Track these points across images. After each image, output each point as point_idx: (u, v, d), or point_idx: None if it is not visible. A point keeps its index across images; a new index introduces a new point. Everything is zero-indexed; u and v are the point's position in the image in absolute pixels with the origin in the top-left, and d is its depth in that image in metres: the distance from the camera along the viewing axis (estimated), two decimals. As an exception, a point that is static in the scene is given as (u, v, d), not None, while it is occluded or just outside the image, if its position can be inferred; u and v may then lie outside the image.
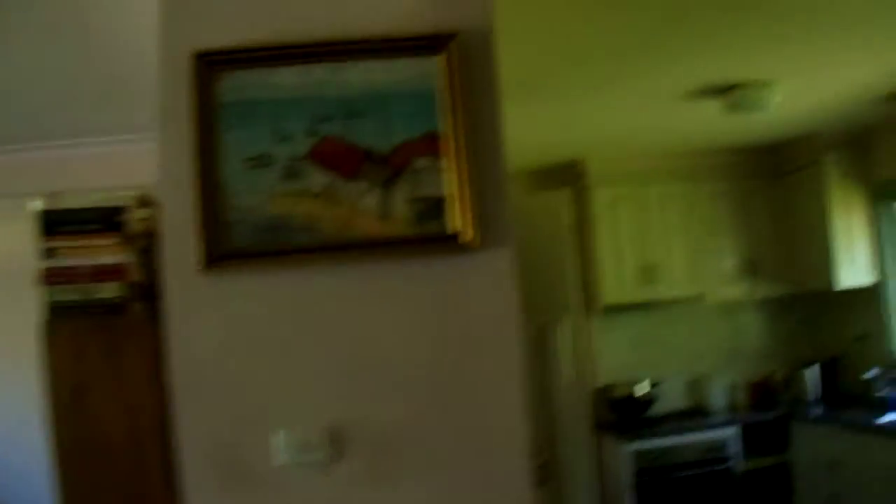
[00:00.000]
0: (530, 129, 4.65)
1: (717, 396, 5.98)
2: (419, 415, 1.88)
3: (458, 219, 1.84)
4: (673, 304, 5.94)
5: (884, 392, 5.21)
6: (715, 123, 4.98)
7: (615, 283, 5.69)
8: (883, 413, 4.91)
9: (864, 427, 4.84)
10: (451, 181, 1.85)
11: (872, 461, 4.68)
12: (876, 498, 4.66)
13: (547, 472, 4.95)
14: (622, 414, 5.81)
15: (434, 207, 1.84)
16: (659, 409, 5.89)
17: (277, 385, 1.86)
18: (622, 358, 6.02)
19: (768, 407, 5.85)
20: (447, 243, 1.84)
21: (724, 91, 4.28)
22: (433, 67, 1.87)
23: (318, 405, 1.86)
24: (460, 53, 1.88)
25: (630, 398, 5.80)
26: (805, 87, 4.38)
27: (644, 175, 5.78)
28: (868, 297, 5.66)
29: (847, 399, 5.70)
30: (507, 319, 1.90)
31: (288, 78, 1.86)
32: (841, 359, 5.98)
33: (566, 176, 5.88)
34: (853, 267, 5.53)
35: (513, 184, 1.98)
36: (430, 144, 1.86)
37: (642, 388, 5.81)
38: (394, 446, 1.87)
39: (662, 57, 3.76)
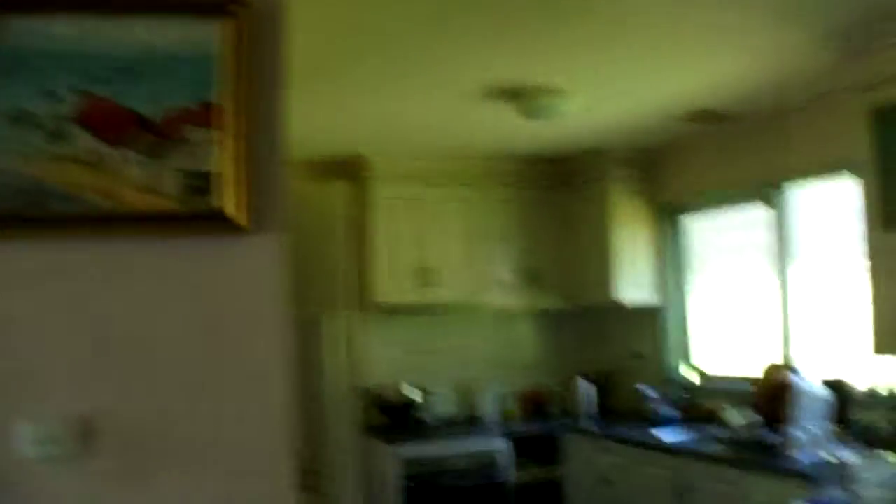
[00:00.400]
0: (313, 117, 4.50)
1: (489, 406, 6.08)
2: (175, 406, 1.74)
3: (229, 198, 1.71)
4: (449, 309, 6.00)
5: (656, 410, 5.45)
6: (505, 128, 5.05)
7: (390, 283, 5.67)
8: (655, 430, 5.09)
9: (635, 442, 5.03)
10: (224, 157, 1.71)
11: (643, 476, 4.87)
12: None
13: (315, 479, 4.86)
14: (393, 419, 5.81)
15: (204, 183, 1.71)
16: (430, 416, 5.92)
17: (21, 369, 1.67)
18: (395, 361, 6.00)
19: (540, 419, 6.03)
20: (216, 223, 1.71)
21: (516, 95, 4.32)
22: (216, 33, 1.73)
23: (67, 393, 1.69)
24: (248, 23, 1.75)
25: (401, 403, 5.81)
26: (600, 100, 4.52)
27: (428, 175, 5.80)
28: (648, 316, 5.93)
29: (620, 415, 5.91)
30: (274, 309, 1.80)
31: (60, 29, 1.67)
32: (616, 375, 6.23)
33: (348, 169, 5.82)
34: (635, 285, 5.76)
35: (292, 170, 1.89)
36: (204, 114, 1.72)
37: (414, 394, 5.84)
38: (148, 440, 1.73)
39: (452, 50, 3.72)
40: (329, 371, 5.13)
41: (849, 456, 3.38)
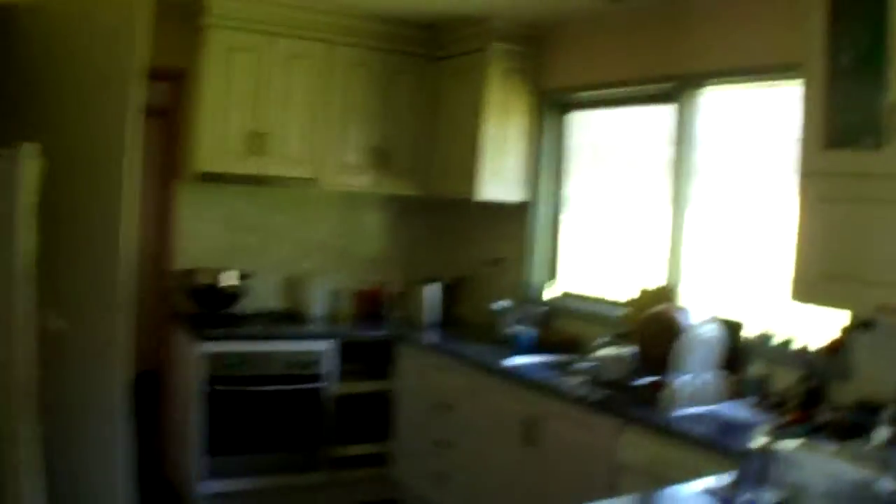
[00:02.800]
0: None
1: (318, 302, 5.22)
2: None
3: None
4: (282, 184, 5.04)
5: (510, 329, 4.62)
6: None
7: (216, 149, 4.65)
8: (507, 353, 4.35)
9: (480, 364, 4.25)
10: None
11: (487, 405, 4.14)
12: (484, 445, 4.16)
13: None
14: (203, 307, 4.87)
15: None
16: (247, 306, 5.01)
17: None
18: (213, 239, 5.04)
19: (376, 324, 5.20)
20: None
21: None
22: None
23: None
24: None
25: (213, 288, 4.86)
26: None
27: (272, 23, 4.74)
28: (513, 219, 5.11)
29: (469, 328, 5.14)
30: None
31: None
32: (470, 281, 5.46)
33: (186, 11, 4.68)
34: (501, 180, 4.90)
35: None
36: None
37: (230, 279, 4.89)
38: None
39: None
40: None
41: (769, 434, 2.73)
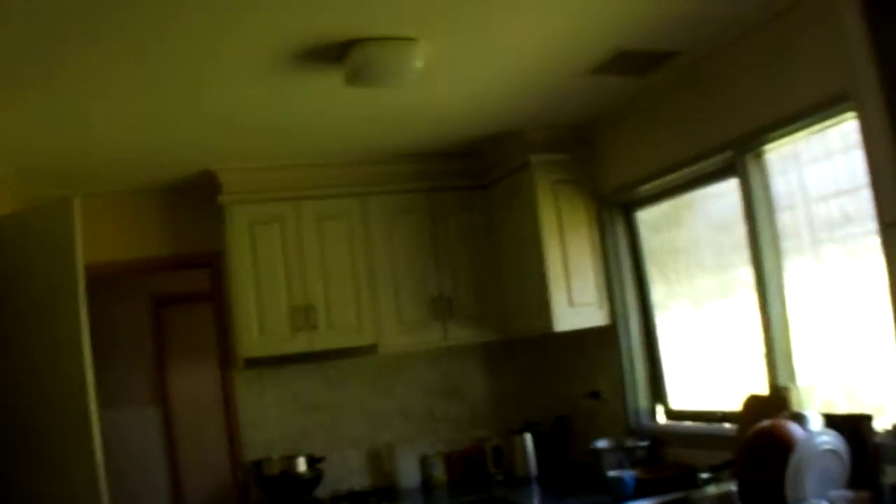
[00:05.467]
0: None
1: (408, 474, 4.71)
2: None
3: None
4: (339, 356, 4.63)
5: (612, 473, 3.86)
6: (381, 109, 3.76)
7: (257, 330, 4.31)
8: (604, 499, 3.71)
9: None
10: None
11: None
12: None
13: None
14: (276, 497, 4.41)
15: None
16: (328, 489, 4.55)
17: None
18: (281, 423, 4.69)
19: (473, 487, 4.54)
20: None
21: (341, 50, 2.95)
22: None
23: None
24: None
25: (286, 476, 4.40)
26: (466, 50, 3.16)
27: (294, 188, 4.45)
28: (603, 339, 4.48)
29: (571, 477, 4.44)
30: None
31: None
32: (571, 420, 4.82)
33: (206, 192, 4.48)
34: (577, 304, 4.32)
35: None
36: None
37: (300, 465, 4.45)
38: None
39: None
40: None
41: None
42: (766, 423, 3.02)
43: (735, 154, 3.49)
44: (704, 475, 3.23)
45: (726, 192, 3.70)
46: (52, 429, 3.32)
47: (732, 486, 3.00)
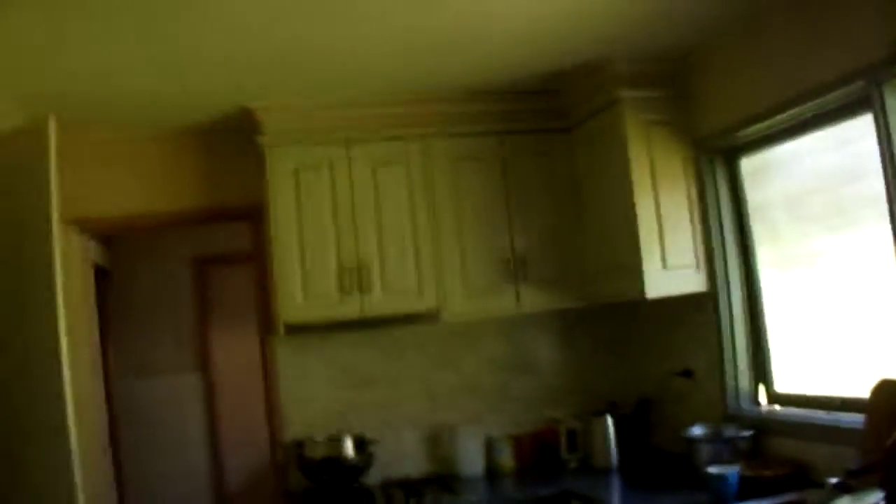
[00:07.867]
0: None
1: (471, 459, 4.18)
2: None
3: None
4: (395, 324, 4.11)
5: (710, 469, 3.24)
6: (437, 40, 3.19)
7: (300, 293, 3.78)
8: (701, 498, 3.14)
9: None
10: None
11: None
12: None
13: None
14: (319, 483, 3.91)
15: None
16: (379, 474, 4.05)
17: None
18: (326, 399, 4.18)
19: (546, 475, 3.99)
20: None
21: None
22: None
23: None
24: None
25: (331, 460, 3.90)
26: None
27: (346, 128, 3.89)
28: (700, 309, 3.85)
29: (659, 468, 3.86)
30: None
31: None
32: (658, 401, 4.24)
33: (244, 134, 3.95)
34: (672, 266, 3.70)
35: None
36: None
37: (350, 447, 3.93)
38: None
39: None
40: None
41: None
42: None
43: (868, 84, 2.84)
44: (833, 480, 2.60)
45: (853, 134, 3.05)
46: (22, 407, 2.80)
47: (875, 499, 2.36)
